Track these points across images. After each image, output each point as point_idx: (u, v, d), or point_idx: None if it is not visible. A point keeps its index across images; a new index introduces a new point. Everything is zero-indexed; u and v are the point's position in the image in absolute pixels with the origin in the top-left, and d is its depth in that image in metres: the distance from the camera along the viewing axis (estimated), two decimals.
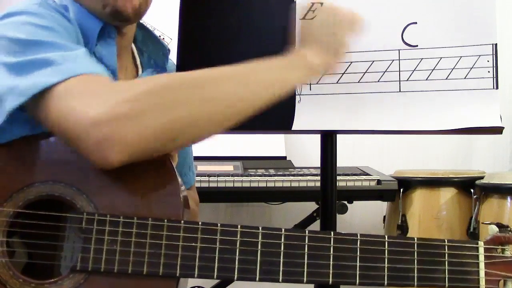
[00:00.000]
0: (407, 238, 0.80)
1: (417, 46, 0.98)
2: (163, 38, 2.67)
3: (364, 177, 1.97)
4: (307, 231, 0.79)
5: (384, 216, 2.22)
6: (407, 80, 0.98)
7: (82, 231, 0.77)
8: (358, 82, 1.00)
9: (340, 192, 1.84)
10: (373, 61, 0.99)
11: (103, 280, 0.77)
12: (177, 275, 0.76)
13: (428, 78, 0.97)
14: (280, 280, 0.77)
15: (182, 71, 1.03)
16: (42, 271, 0.80)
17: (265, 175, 1.95)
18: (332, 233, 0.79)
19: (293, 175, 1.96)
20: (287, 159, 2.26)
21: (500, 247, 0.79)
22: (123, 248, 0.76)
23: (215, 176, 1.91)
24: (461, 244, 0.79)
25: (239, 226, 0.78)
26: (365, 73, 0.99)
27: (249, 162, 2.15)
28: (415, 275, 0.78)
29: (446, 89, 0.97)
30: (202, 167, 2.00)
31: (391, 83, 0.99)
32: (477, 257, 0.78)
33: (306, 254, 0.78)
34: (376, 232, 2.34)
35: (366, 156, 2.38)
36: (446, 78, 0.97)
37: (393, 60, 0.99)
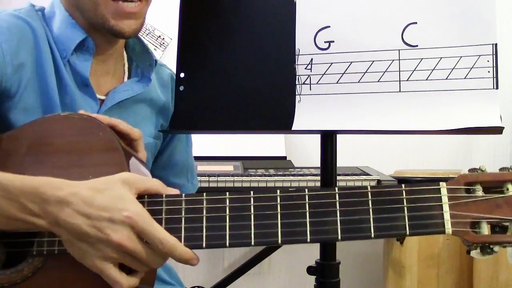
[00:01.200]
0: (360, 188, 0.74)
1: (417, 46, 0.98)
2: (163, 38, 2.67)
3: (364, 177, 1.97)
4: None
5: None
6: (407, 80, 0.98)
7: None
8: (358, 82, 1.00)
9: None
10: (373, 61, 0.99)
11: (59, 262, 0.78)
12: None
13: (428, 78, 0.97)
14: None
15: (182, 71, 1.03)
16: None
17: (265, 175, 1.95)
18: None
19: (293, 175, 1.96)
20: (287, 159, 2.26)
21: (466, 187, 0.71)
22: None
23: (215, 176, 1.91)
24: (420, 187, 0.72)
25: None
26: (365, 73, 0.99)
27: (249, 162, 2.15)
28: (371, 225, 0.71)
29: (446, 89, 0.97)
30: (202, 167, 2.00)
31: (391, 83, 0.99)
32: (439, 199, 0.71)
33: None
34: None
35: (366, 156, 2.39)
36: (446, 78, 0.97)
37: (393, 60, 0.99)
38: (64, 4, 1.00)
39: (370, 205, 0.72)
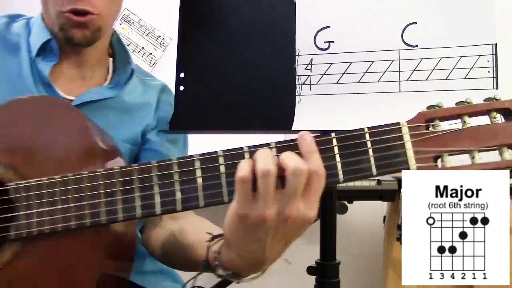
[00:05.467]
0: (325, 135, 0.74)
1: (417, 46, 0.98)
2: (163, 38, 2.67)
3: None
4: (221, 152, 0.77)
5: (384, 216, 2.22)
6: (407, 80, 0.98)
7: (12, 202, 0.80)
8: (358, 82, 1.00)
9: (340, 192, 1.84)
10: (373, 61, 0.99)
11: (38, 243, 0.79)
12: (104, 222, 0.78)
13: (428, 78, 0.97)
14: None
15: (182, 71, 1.04)
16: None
17: None
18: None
19: None
20: None
21: (426, 123, 0.73)
22: (50, 207, 0.79)
23: None
24: (382, 128, 0.73)
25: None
26: (365, 73, 0.99)
27: None
28: (339, 170, 0.73)
29: (446, 89, 0.97)
30: None
31: (391, 83, 0.99)
32: (401, 137, 0.72)
33: (224, 174, 0.75)
34: (377, 232, 2.35)
35: None
36: (446, 78, 0.97)
37: (393, 60, 0.99)
38: (41, 9, 1.11)
39: (337, 151, 0.72)
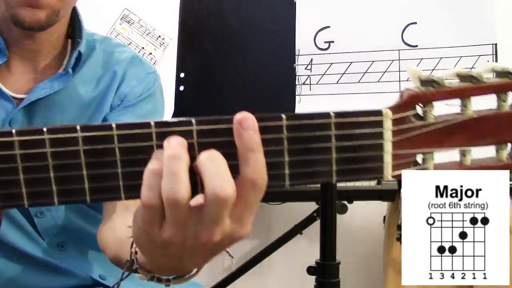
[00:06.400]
0: (272, 118, 0.48)
1: (417, 46, 0.98)
2: (163, 38, 2.68)
3: None
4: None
5: (384, 216, 2.22)
6: (407, 80, 0.98)
7: None
8: (358, 82, 1.00)
9: (340, 192, 1.84)
10: (373, 61, 0.99)
11: None
12: None
13: None
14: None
15: (182, 71, 1.03)
16: None
17: None
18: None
19: None
20: None
21: (415, 112, 0.50)
22: None
23: None
24: (356, 119, 0.50)
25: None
26: (365, 73, 0.99)
27: None
28: (286, 172, 0.50)
29: None
30: None
31: (391, 83, 0.99)
32: (381, 135, 0.50)
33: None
34: (377, 232, 2.35)
35: None
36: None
37: (393, 60, 0.99)
38: None
39: (287, 145, 0.49)
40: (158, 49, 2.70)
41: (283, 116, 0.48)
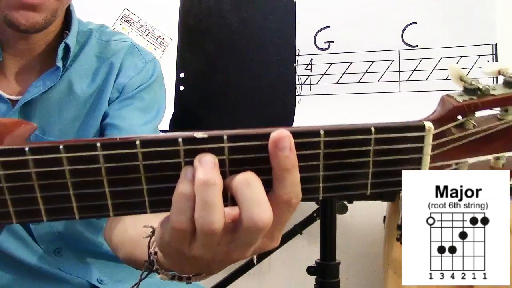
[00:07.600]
0: (310, 134, 0.45)
1: (417, 46, 0.98)
2: (163, 38, 2.68)
3: None
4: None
5: (384, 216, 2.22)
6: (407, 80, 0.98)
7: None
8: (358, 82, 1.00)
9: None
10: (373, 61, 0.99)
11: None
12: None
13: (428, 78, 0.97)
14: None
15: (182, 71, 1.03)
16: None
17: None
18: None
19: None
20: None
21: (457, 123, 0.49)
22: None
23: None
24: (397, 134, 0.48)
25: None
26: (365, 73, 0.99)
27: None
28: (320, 185, 0.48)
29: (446, 89, 0.97)
30: None
31: (391, 83, 0.99)
32: (421, 150, 0.48)
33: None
34: (377, 232, 2.35)
35: None
36: (446, 78, 0.97)
37: (393, 60, 0.99)
38: None
39: (322, 160, 0.47)
40: (158, 49, 2.70)
41: (321, 132, 0.45)
